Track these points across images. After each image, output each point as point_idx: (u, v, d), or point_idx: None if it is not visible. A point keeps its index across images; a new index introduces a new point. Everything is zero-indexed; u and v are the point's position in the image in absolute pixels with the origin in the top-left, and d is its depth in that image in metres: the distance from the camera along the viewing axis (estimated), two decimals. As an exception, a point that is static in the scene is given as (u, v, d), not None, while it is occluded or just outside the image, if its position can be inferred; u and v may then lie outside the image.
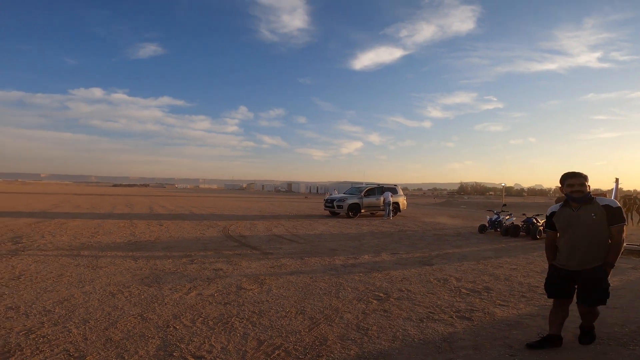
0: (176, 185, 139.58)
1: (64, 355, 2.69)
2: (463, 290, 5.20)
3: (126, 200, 28.19)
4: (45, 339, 2.93)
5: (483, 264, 7.24)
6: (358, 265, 6.88)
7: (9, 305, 3.71)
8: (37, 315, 3.46)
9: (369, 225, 14.76)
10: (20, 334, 3.00)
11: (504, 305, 4.50)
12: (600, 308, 3.14)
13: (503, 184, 55.77)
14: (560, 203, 3.19)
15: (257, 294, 4.68)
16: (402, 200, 19.89)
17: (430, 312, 4.18)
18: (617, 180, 9.51)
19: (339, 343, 3.18)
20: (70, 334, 3.07)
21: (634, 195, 20.27)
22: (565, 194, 3.06)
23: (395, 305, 4.38)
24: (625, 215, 4.20)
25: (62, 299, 4.03)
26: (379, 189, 19.08)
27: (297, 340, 3.22)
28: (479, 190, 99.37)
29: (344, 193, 20.62)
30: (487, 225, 12.90)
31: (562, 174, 3.07)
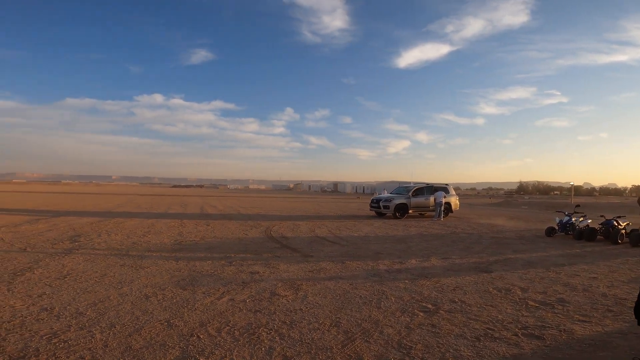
0: (228, 186, 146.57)
1: (79, 363, 2.57)
2: (530, 303, 4.47)
3: (181, 201, 29.86)
4: (66, 344, 2.86)
5: (554, 272, 6.28)
6: (404, 271, 6.31)
7: (45, 306, 3.78)
8: (68, 318, 3.46)
9: (417, 226, 13.91)
10: (44, 337, 2.97)
11: (585, 321, 3.73)
12: None
13: (572, 183, 50.51)
14: None
15: (291, 301, 4.37)
16: (454, 201, 18.62)
17: (488, 328, 3.57)
18: None
19: (375, 367, 2.72)
20: (93, 340, 2.97)
21: None
22: None
23: (446, 319, 3.82)
24: None
25: (97, 301, 4.05)
26: (429, 189, 18.03)
27: (327, 358, 2.83)
28: (541, 190, 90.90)
29: (390, 193, 19.91)
30: (557, 227, 11.46)
31: None
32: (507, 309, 4.25)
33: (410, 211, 17.33)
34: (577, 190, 77.36)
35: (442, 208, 16.95)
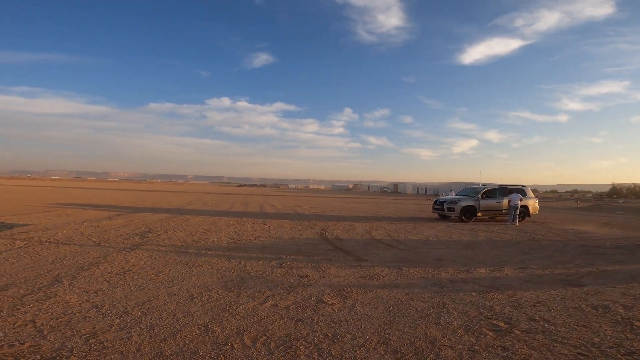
0: (289, 186, 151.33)
1: (111, 367, 2.51)
2: (636, 323, 3.56)
3: (244, 199, 31.30)
4: (101, 345, 2.85)
5: (666, 291, 5.02)
6: (470, 281, 5.57)
7: (97, 303, 3.92)
8: (113, 317, 3.51)
9: (487, 231, 12.57)
10: (83, 337, 3.00)
11: None
12: None
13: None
14: None
15: (337, 310, 4.00)
16: (532, 204, 16.61)
17: (580, 354, 2.89)
18: None
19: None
20: (128, 342, 2.93)
21: None
22: None
23: (522, 341, 3.17)
24: None
25: (145, 300, 4.11)
26: (502, 190, 16.32)
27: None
28: (638, 193, 77.40)
29: (456, 194, 18.52)
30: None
31: None
32: (605, 330, 3.44)
33: (478, 214, 15.84)
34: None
35: (518, 212, 15.17)
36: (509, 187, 16.53)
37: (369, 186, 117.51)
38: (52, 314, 3.50)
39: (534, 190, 19.56)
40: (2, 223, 9.90)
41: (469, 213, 15.64)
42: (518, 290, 5.06)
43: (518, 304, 4.40)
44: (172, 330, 3.25)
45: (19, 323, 3.22)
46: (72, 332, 3.09)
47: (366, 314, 3.91)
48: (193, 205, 21.74)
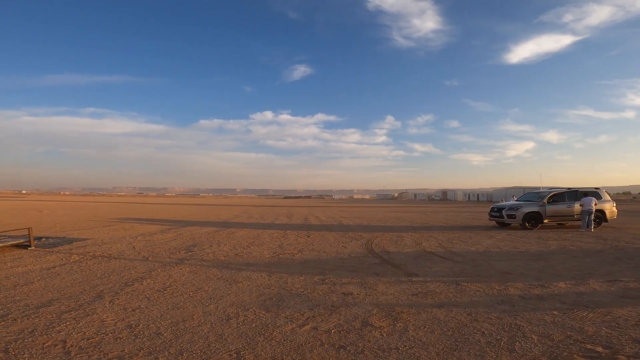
0: (333, 197, 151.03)
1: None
2: None
3: (288, 211, 31.47)
4: (125, 375, 2.61)
5: None
6: (548, 297, 4.76)
7: (132, 322, 3.78)
8: (144, 339, 3.32)
9: (558, 239, 11.15)
10: None
11: None
12: None
13: None
14: None
15: (386, 335, 3.48)
16: (609, 207, 14.65)
17: None
18: None
19: None
20: (154, 372, 2.66)
21: None
22: None
23: None
24: None
25: (180, 320, 3.90)
26: (572, 194, 14.61)
27: None
28: None
29: (516, 200, 17.02)
30: None
31: None
32: None
33: (545, 221, 14.23)
34: None
35: (593, 217, 13.38)
36: (580, 190, 14.75)
37: (415, 194, 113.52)
38: (85, 333, 3.40)
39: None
40: (65, 238, 10.63)
41: (533, 220, 14.13)
42: (613, 307, 4.20)
43: (616, 323, 3.61)
44: (201, 356, 2.97)
45: (49, 343, 3.14)
46: (99, 354, 2.93)
47: (420, 340, 3.35)
48: (239, 219, 22.17)
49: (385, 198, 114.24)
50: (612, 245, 9.73)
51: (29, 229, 8.78)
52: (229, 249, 9.41)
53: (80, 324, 3.65)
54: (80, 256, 7.70)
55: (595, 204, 13.47)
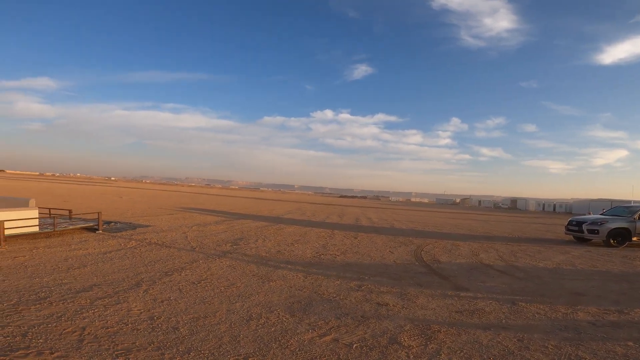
0: (390, 198, 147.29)
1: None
2: None
3: (341, 211, 31.25)
4: (127, 371, 2.55)
5: None
6: (625, 325, 3.95)
7: (155, 314, 3.80)
8: (159, 333, 3.30)
9: (648, 264, 9.33)
10: (114, 353, 2.82)
11: None
12: None
13: None
14: None
15: (413, 357, 3.05)
16: None
17: None
18: None
19: None
20: (156, 372, 2.57)
21: None
22: None
23: None
24: None
25: (202, 316, 3.85)
26: (671, 210, 12.33)
27: None
28: None
29: (600, 213, 14.96)
30: None
31: None
32: None
33: (634, 239, 12.16)
34: None
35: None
36: None
37: (479, 201, 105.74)
38: (107, 322, 3.50)
39: None
40: (130, 223, 11.61)
41: (620, 237, 12.16)
42: None
43: None
44: (208, 357, 2.85)
45: (69, 329, 3.26)
46: (109, 345, 2.95)
47: (457, 373, 2.85)
48: (291, 215, 22.49)
49: (446, 203, 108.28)
50: None
51: (98, 213, 9.71)
52: (273, 245, 9.44)
53: (108, 311, 3.78)
54: (137, 242, 8.28)
55: None
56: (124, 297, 4.30)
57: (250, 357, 2.93)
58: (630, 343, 3.44)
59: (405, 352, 3.17)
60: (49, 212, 9.96)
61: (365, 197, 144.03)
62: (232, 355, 2.95)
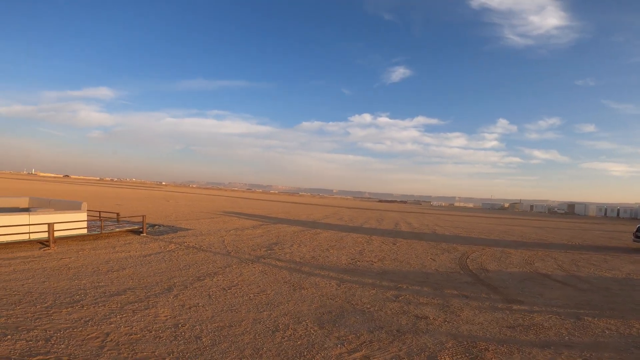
0: (431, 203, 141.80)
1: None
2: None
3: (380, 215, 30.48)
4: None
5: None
6: None
7: (180, 321, 3.71)
8: (180, 342, 3.17)
9: None
10: None
11: None
12: None
13: None
14: None
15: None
16: None
17: None
18: None
19: None
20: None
21: None
22: None
23: None
24: None
25: (227, 325, 3.70)
26: None
27: None
28: None
29: None
30: None
31: None
32: None
33: None
34: None
35: None
36: None
37: (531, 205, 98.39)
38: (132, 328, 3.44)
39: None
40: (173, 227, 12.02)
41: None
42: None
43: None
44: (228, 378, 2.63)
45: (93, 335, 3.23)
46: (128, 354, 2.87)
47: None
48: (328, 219, 22.26)
49: (492, 208, 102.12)
50: None
51: (143, 216, 10.14)
52: (308, 250, 9.24)
53: (135, 317, 3.75)
54: (176, 246, 8.47)
55: None
56: (154, 302, 4.28)
57: (271, 375, 2.70)
58: None
59: (448, 378, 2.77)
60: (99, 215, 10.57)
61: (405, 202, 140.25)
62: (253, 371, 2.74)
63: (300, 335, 3.53)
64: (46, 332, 3.21)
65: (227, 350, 3.08)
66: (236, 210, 24.89)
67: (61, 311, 3.75)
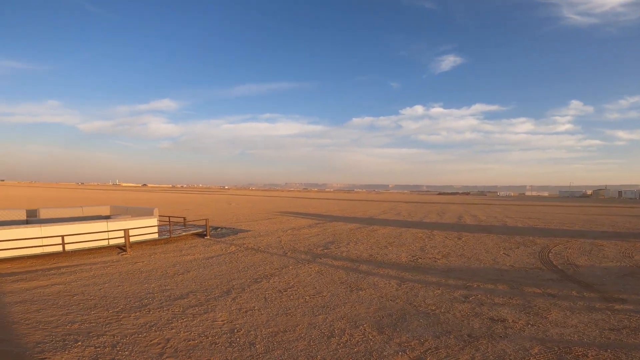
0: (498, 193, 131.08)
1: None
2: None
3: (440, 208, 28.87)
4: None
5: None
6: None
7: (236, 326, 3.65)
8: (234, 349, 3.09)
9: None
10: None
11: None
12: None
13: None
14: None
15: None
16: None
17: None
18: None
19: None
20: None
21: None
22: None
23: None
24: None
25: (282, 330, 3.56)
26: None
27: None
28: None
29: None
30: None
31: None
32: None
33: None
34: None
35: None
36: None
37: (620, 191, 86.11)
38: (190, 333, 3.45)
39: None
40: (233, 229, 12.49)
41: None
42: None
43: None
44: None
45: (155, 341, 3.28)
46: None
47: None
48: (385, 215, 21.60)
49: (572, 196, 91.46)
50: None
51: (206, 220, 10.65)
52: (365, 248, 8.91)
53: (194, 322, 3.79)
54: (237, 247, 8.71)
55: None
56: (213, 305, 4.32)
57: (328, 389, 2.47)
58: None
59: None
60: (169, 219, 11.34)
61: (467, 193, 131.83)
62: (307, 383, 2.54)
63: (358, 342, 3.27)
64: (114, 337, 3.35)
65: (281, 357, 2.94)
66: (292, 210, 25.31)
67: (130, 316, 3.94)
